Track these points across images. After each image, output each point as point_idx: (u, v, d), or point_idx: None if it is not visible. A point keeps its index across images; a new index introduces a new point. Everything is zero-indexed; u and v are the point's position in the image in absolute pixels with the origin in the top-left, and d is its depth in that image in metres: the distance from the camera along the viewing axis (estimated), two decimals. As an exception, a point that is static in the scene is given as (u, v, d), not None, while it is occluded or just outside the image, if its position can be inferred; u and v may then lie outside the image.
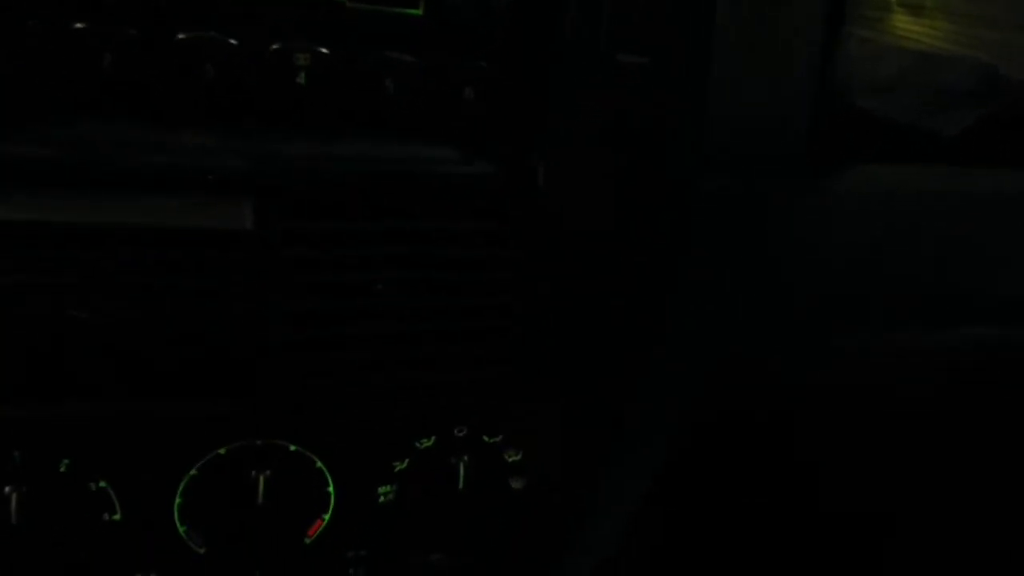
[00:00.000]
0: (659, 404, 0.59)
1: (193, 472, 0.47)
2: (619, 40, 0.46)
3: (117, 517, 0.47)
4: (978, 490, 0.81)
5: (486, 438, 0.53)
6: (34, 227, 0.41)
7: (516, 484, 0.54)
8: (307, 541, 0.51)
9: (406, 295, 0.48)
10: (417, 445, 0.51)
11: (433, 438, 0.52)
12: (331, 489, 0.50)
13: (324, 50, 0.43)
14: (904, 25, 0.55)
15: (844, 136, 0.56)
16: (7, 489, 0.44)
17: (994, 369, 0.67)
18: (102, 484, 0.46)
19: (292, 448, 0.49)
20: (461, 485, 0.52)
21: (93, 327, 0.43)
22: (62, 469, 0.45)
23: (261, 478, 0.48)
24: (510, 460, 0.54)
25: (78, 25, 0.40)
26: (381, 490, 0.52)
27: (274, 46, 0.43)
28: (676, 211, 0.51)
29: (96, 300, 0.43)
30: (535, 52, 0.47)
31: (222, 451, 0.48)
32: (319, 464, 0.50)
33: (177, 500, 0.48)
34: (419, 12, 0.44)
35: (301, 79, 0.43)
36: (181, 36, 0.41)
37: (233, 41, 0.42)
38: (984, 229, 0.59)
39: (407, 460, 0.51)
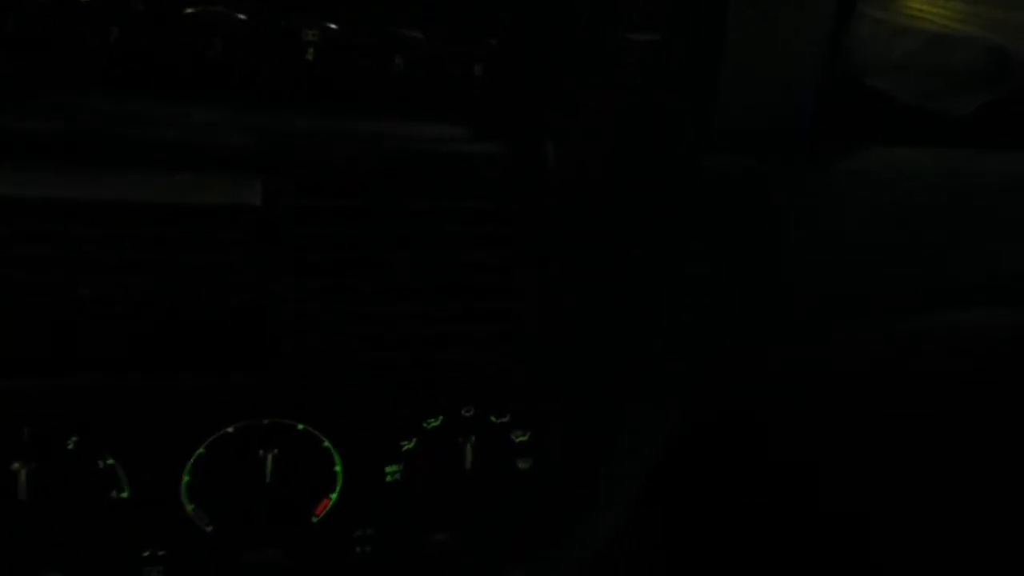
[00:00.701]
0: (660, 392, 0.58)
1: (201, 450, 0.48)
2: (630, 17, 0.46)
3: (125, 495, 0.47)
4: (987, 479, 0.81)
5: (493, 418, 0.53)
6: (41, 202, 0.41)
7: (523, 464, 0.55)
8: (314, 520, 0.51)
9: (412, 273, 0.48)
10: (425, 425, 0.51)
11: (441, 418, 0.52)
12: (338, 468, 0.50)
13: (333, 26, 0.43)
14: (917, 5, 0.54)
15: (853, 116, 0.55)
16: (15, 465, 0.44)
17: (1005, 349, 0.67)
18: (110, 461, 0.46)
19: (300, 427, 0.49)
20: (468, 465, 0.52)
21: (100, 302, 0.43)
22: (70, 446, 0.45)
23: (269, 457, 0.48)
24: (517, 440, 0.54)
25: (86, 2, 0.39)
26: (388, 469, 0.52)
27: (283, 21, 0.42)
28: (682, 189, 0.51)
29: (104, 275, 0.43)
30: (545, 29, 0.46)
31: (230, 430, 0.48)
32: (326, 443, 0.50)
33: (185, 478, 0.48)
34: (428, -13, 0.44)
35: (309, 55, 0.43)
36: (189, 10, 0.41)
37: (241, 16, 0.41)
38: (994, 210, 0.59)
39: (415, 439, 0.51)
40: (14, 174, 0.40)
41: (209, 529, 0.49)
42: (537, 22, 0.46)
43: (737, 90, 0.49)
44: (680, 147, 0.50)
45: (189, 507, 0.48)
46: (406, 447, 0.51)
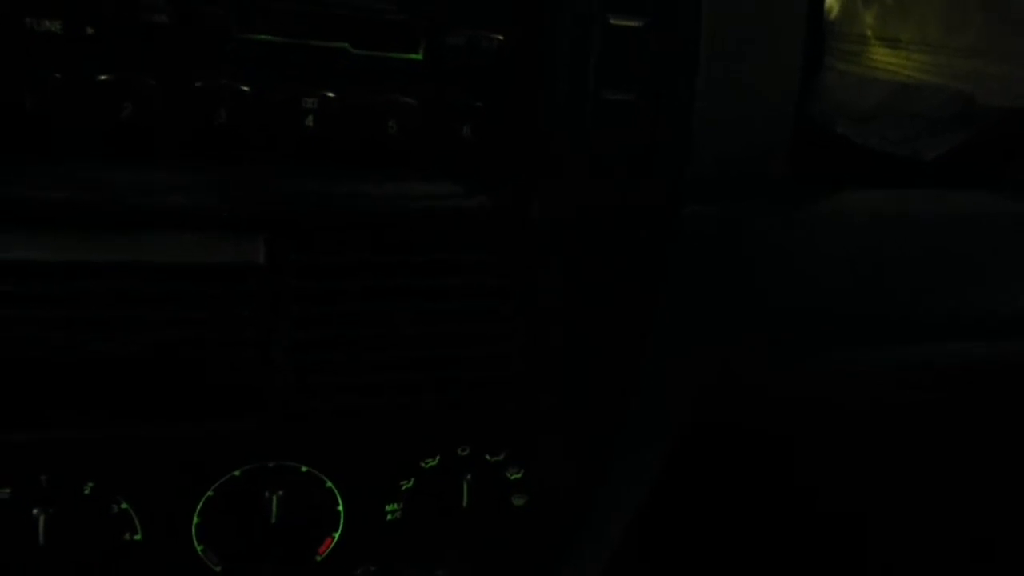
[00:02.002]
0: (651, 424, 0.61)
1: (210, 493, 0.50)
2: (606, 78, 0.49)
3: (138, 537, 0.49)
4: (960, 499, 0.83)
5: (488, 457, 0.55)
6: (59, 265, 0.44)
7: (518, 501, 0.57)
8: (318, 558, 0.53)
9: (409, 323, 0.51)
10: (422, 465, 0.54)
11: (438, 458, 0.54)
12: (341, 508, 0.53)
13: (330, 94, 0.46)
14: (882, 58, 0.57)
15: (825, 162, 0.58)
16: (35, 511, 0.47)
17: (980, 382, 0.69)
18: (124, 506, 0.49)
19: (303, 469, 0.52)
20: (465, 502, 0.54)
21: (113, 356, 0.46)
22: (86, 491, 0.48)
23: (274, 498, 0.50)
24: (512, 478, 0.56)
25: (101, 77, 0.42)
26: (388, 508, 0.54)
27: (283, 91, 0.45)
28: (662, 237, 0.54)
29: (116, 331, 0.45)
30: (528, 91, 0.49)
31: (237, 473, 0.50)
32: (329, 484, 0.52)
33: (194, 520, 0.50)
34: (419, 57, 0.47)
35: (309, 121, 0.46)
36: (197, 84, 0.44)
37: (245, 88, 0.45)
38: (964, 247, 0.61)
39: (413, 479, 0.54)
40: (30, 240, 0.43)
41: (218, 569, 0.51)
42: (520, 84, 0.49)
43: (710, 142, 0.53)
44: (657, 197, 0.53)
45: (199, 548, 0.51)
46: (405, 486, 0.54)
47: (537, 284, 0.52)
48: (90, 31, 0.41)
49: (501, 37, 0.48)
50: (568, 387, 0.57)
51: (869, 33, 0.57)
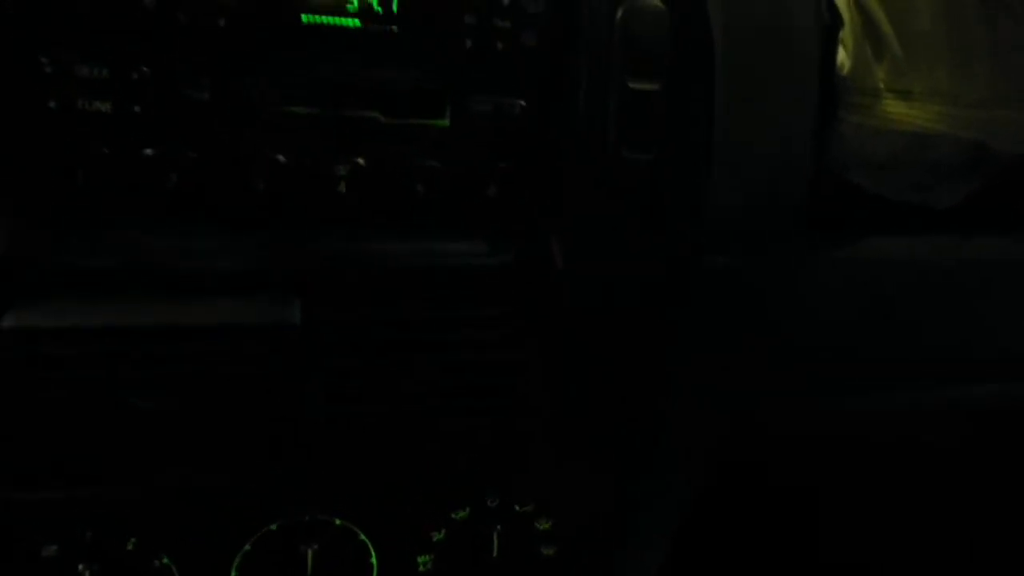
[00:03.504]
0: (674, 471, 0.62)
1: (247, 547, 0.51)
2: (625, 139, 0.50)
3: None
4: (973, 540, 0.82)
5: (517, 507, 0.56)
6: (106, 329, 0.46)
7: (547, 551, 0.58)
8: (352, 610, 0.54)
9: (438, 374, 0.52)
10: (453, 516, 0.55)
11: (468, 509, 0.55)
12: (374, 560, 0.54)
13: (361, 160, 0.48)
14: (895, 109, 0.58)
15: (840, 211, 0.60)
16: (80, 567, 0.49)
17: (994, 423, 0.69)
18: (165, 560, 0.50)
19: (338, 523, 0.53)
20: (495, 553, 0.55)
21: (158, 415, 0.48)
22: (129, 547, 0.49)
23: (309, 552, 0.52)
24: (540, 528, 0.57)
25: (147, 151, 0.45)
26: (420, 559, 0.55)
27: (318, 159, 0.48)
28: (681, 286, 0.55)
29: (163, 390, 0.47)
30: (549, 152, 0.51)
31: (273, 527, 0.52)
32: (362, 536, 0.54)
33: (232, 574, 0.52)
34: (446, 123, 0.49)
35: (341, 187, 0.48)
36: (236, 155, 0.46)
37: (281, 157, 0.47)
38: (976, 291, 0.62)
39: (444, 530, 0.55)
40: (79, 306, 0.45)
41: (255, 621, 0.53)
42: (542, 144, 0.51)
43: (727, 195, 0.54)
44: (676, 249, 0.54)
45: (237, 600, 0.52)
46: (436, 538, 0.55)
47: (559, 335, 0.54)
48: (137, 109, 0.44)
49: (523, 102, 0.50)
50: (592, 436, 0.58)
51: (881, 86, 0.58)
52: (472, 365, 0.52)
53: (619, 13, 0.49)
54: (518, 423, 0.55)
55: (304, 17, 0.45)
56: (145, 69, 0.43)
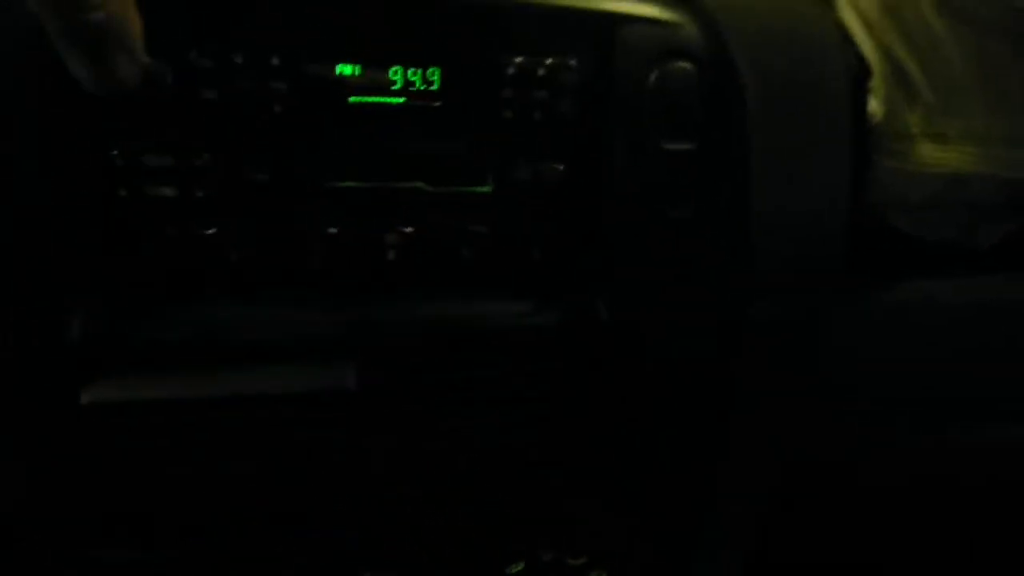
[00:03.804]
0: (727, 519, 0.62)
1: None
2: (662, 197, 0.52)
3: None
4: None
5: (571, 561, 0.57)
6: (175, 402, 0.48)
7: (602, 603, 0.58)
8: (414, 666, 0.55)
9: (491, 431, 0.54)
10: (508, 571, 0.56)
11: (522, 564, 0.56)
12: None
13: (409, 229, 0.50)
14: (931, 153, 0.59)
15: (881, 254, 0.60)
16: None
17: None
18: None
19: None
20: (550, 606, 0.56)
21: (228, 479, 0.50)
22: None
23: (371, 609, 0.53)
24: None
25: (211, 231, 0.48)
26: (477, 614, 0.56)
27: (368, 230, 0.50)
28: (727, 339, 0.56)
29: (229, 457, 0.50)
30: (591, 212, 0.53)
31: None
32: None
33: None
34: (488, 189, 0.51)
35: (391, 255, 0.50)
36: (293, 230, 0.49)
37: (334, 230, 0.49)
38: (1018, 332, 0.62)
39: None
40: (152, 379, 0.48)
41: None
42: (583, 207, 0.53)
43: (767, 246, 0.55)
44: (720, 301, 0.55)
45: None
46: None
47: (608, 391, 0.55)
48: (200, 193, 0.47)
49: (562, 167, 0.52)
50: (646, 486, 0.58)
51: (915, 131, 0.59)
52: (523, 422, 0.54)
53: (651, 77, 0.51)
54: (570, 478, 0.56)
55: (352, 98, 0.48)
56: (207, 155, 0.46)
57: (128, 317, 0.47)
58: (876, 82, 0.57)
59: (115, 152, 0.45)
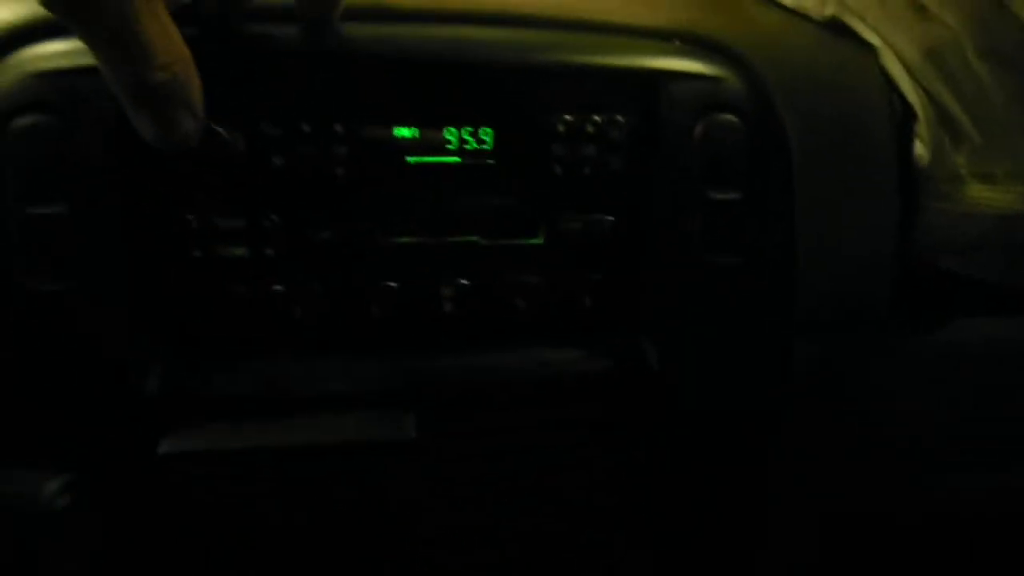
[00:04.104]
0: (772, 563, 0.62)
1: None
2: (709, 246, 0.53)
3: None
4: None
5: None
6: (242, 451, 0.50)
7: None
8: None
9: (549, 477, 0.55)
10: None
11: None
12: None
13: (465, 281, 0.52)
14: (979, 193, 0.59)
15: (930, 295, 0.60)
16: None
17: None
18: None
19: None
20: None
21: (294, 525, 0.52)
22: None
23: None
24: None
25: (276, 287, 0.50)
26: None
27: (425, 284, 0.52)
28: (774, 382, 0.57)
29: (293, 506, 0.52)
30: (640, 260, 0.54)
31: None
32: None
33: None
34: (540, 241, 0.53)
35: (447, 307, 0.52)
36: (353, 286, 0.51)
37: (392, 284, 0.52)
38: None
39: None
40: (226, 430, 0.50)
41: None
42: (632, 255, 0.54)
43: (815, 289, 0.56)
44: (767, 341, 0.56)
45: None
46: None
47: (661, 435, 0.56)
48: (268, 252, 0.49)
49: (611, 218, 0.53)
50: (694, 531, 0.59)
51: (963, 172, 0.59)
52: (577, 467, 0.55)
53: (696, 130, 0.52)
54: (622, 522, 0.56)
55: (410, 159, 0.51)
56: (275, 217, 0.49)
57: (201, 371, 0.50)
58: (921, 126, 0.58)
59: (190, 216, 0.48)
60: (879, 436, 0.60)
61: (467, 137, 0.51)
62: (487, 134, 0.51)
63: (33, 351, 0.46)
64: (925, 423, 0.61)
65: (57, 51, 0.45)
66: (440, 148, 0.51)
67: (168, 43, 0.38)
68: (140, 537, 0.50)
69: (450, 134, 0.51)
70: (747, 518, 0.61)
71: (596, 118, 0.51)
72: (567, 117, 0.51)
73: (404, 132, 0.50)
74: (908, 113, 0.58)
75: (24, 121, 0.44)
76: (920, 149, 0.58)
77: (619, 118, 0.52)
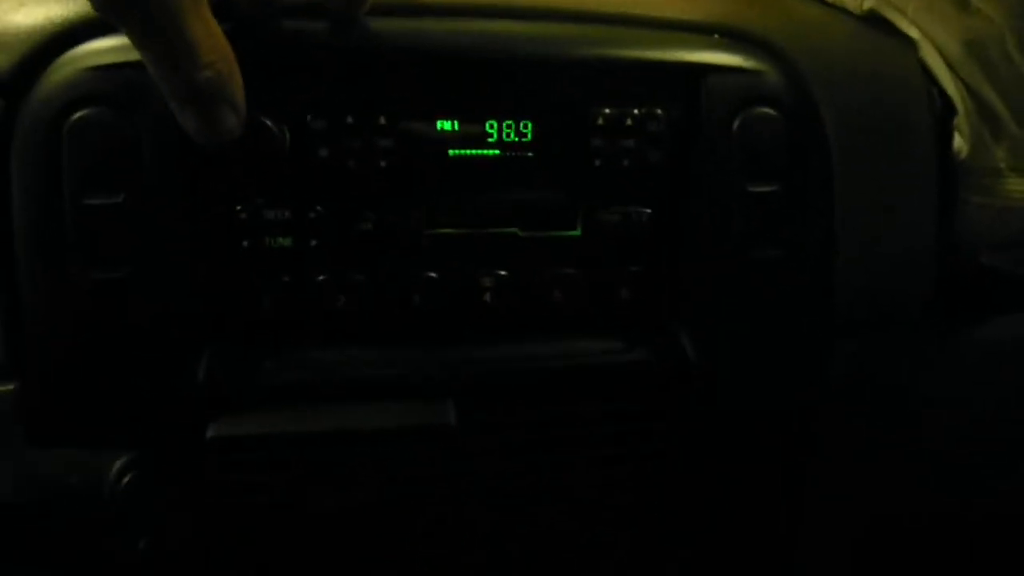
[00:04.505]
0: (814, 562, 0.62)
1: None
2: (748, 239, 0.53)
3: None
4: None
5: None
6: (286, 436, 0.52)
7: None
8: None
9: (584, 468, 0.55)
10: None
11: None
12: None
13: (504, 272, 0.53)
14: (1019, 187, 0.59)
15: (971, 291, 0.60)
16: None
17: None
18: None
19: None
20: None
21: (335, 509, 0.53)
22: None
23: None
24: None
25: (321, 277, 0.51)
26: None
27: (465, 274, 0.53)
28: (813, 377, 0.57)
29: (334, 491, 0.53)
30: (678, 253, 0.55)
31: None
32: None
33: None
34: (578, 233, 0.54)
35: (487, 297, 0.53)
36: (395, 276, 0.52)
37: (433, 274, 0.52)
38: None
39: None
40: (271, 416, 0.51)
41: None
42: (669, 248, 0.54)
43: (854, 283, 0.56)
44: (805, 337, 0.56)
45: None
46: None
47: (695, 428, 0.56)
48: (313, 243, 0.51)
49: (649, 211, 0.54)
50: (731, 527, 0.59)
51: (1003, 165, 0.59)
52: (613, 457, 0.56)
53: (735, 123, 0.52)
54: (656, 519, 0.57)
55: (451, 152, 0.51)
56: (320, 208, 0.50)
57: (248, 359, 0.51)
58: (961, 119, 0.58)
59: (239, 208, 0.49)
60: (917, 436, 0.60)
61: (507, 130, 0.52)
62: (527, 127, 0.52)
63: (89, 338, 0.47)
64: (964, 422, 0.60)
65: (112, 46, 0.47)
66: (481, 141, 0.52)
67: (212, 42, 0.39)
68: (193, 517, 0.52)
69: (491, 127, 0.51)
70: (782, 517, 0.61)
71: (635, 111, 0.52)
72: (606, 110, 0.52)
73: (446, 125, 0.51)
74: (947, 106, 0.58)
75: (81, 114, 0.46)
76: (959, 142, 0.58)
77: (658, 111, 0.52)
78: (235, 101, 0.41)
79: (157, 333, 0.48)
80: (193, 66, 0.38)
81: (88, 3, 0.38)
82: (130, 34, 0.38)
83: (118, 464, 0.38)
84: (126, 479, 0.38)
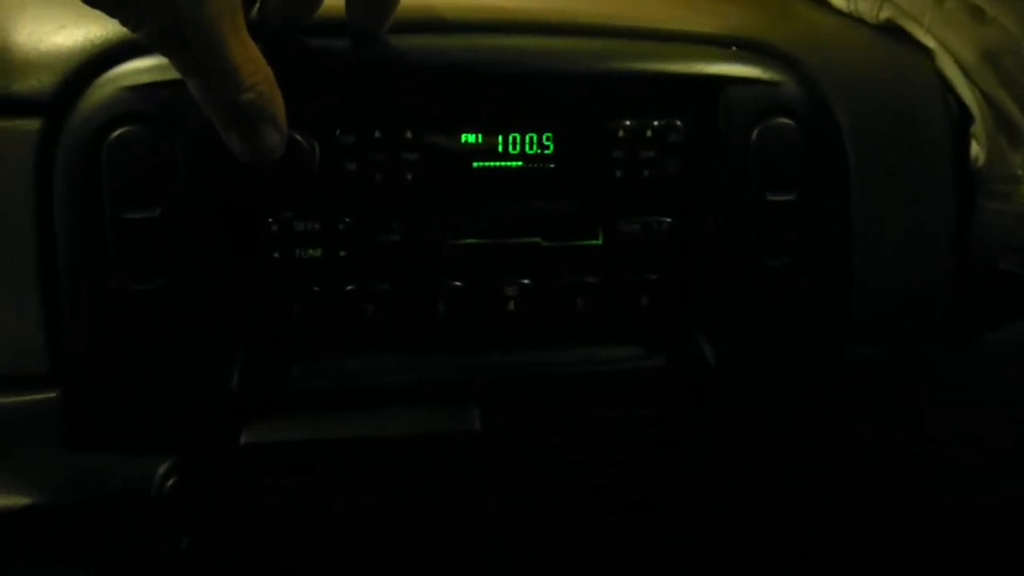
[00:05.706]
0: (831, 565, 0.63)
1: None
2: (765, 246, 0.54)
3: None
4: None
5: None
6: (311, 443, 0.53)
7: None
8: None
9: (605, 472, 0.57)
10: None
11: None
12: None
13: (527, 281, 0.54)
14: (1036, 193, 0.59)
15: (989, 295, 0.60)
16: None
17: None
18: None
19: None
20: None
21: (362, 512, 0.54)
22: None
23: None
24: None
25: (349, 287, 0.53)
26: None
27: (489, 283, 0.54)
28: (829, 383, 0.57)
29: (360, 495, 0.54)
30: (697, 261, 0.56)
31: None
32: None
33: None
34: (599, 242, 0.55)
35: (510, 306, 0.54)
36: (421, 285, 0.54)
37: (458, 283, 0.54)
38: None
39: None
40: (301, 422, 0.53)
41: None
42: (689, 256, 0.56)
43: (870, 290, 0.57)
44: (821, 344, 0.57)
45: None
46: None
47: (713, 433, 0.57)
48: (342, 253, 0.52)
49: (669, 220, 0.55)
50: (747, 530, 0.60)
51: (1020, 172, 0.59)
52: (633, 462, 0.57)
53: (753, 134, 0.53)
54: (673, 521, 0.58)
55: (475, 164, 0.53)
56: (348, 220, 0.52)
57: (280, 366, 0.53)
58: (977, 127, 0.58)
59: (270, 220, 0.51)
60: (935, 440, 0.61)
61: (530, 142, 0.53)
62: (549, 139, 0.53)
63: (128, 346, 0.49)
64: (982, 426, 0.61)
65: (149, 66, 0.48)
66: (504, 153, 0.53)
67: (253, 64, 0.40)
68: (227, 519, 0.53)
69: (514, 140, 0.53)
70: (799, 521, 0.61)
71: (655, 123, 0.53)
72: (627, 122, 0.53)
73: (470, 138, 0.52)
74: (964, 114, 0.59)
75: (120, 132, 0.48)
76: (976, 150, 0.59)
77: (677, 123, 0.53)
78: (277, 120, 0.42)
79: (192, 341, 0.50)
80: (236, 89, 0.40)
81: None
82: (175, 62, 0.40)
83: (163, 467, 0.39)
84: (171, 481, 0.39)
